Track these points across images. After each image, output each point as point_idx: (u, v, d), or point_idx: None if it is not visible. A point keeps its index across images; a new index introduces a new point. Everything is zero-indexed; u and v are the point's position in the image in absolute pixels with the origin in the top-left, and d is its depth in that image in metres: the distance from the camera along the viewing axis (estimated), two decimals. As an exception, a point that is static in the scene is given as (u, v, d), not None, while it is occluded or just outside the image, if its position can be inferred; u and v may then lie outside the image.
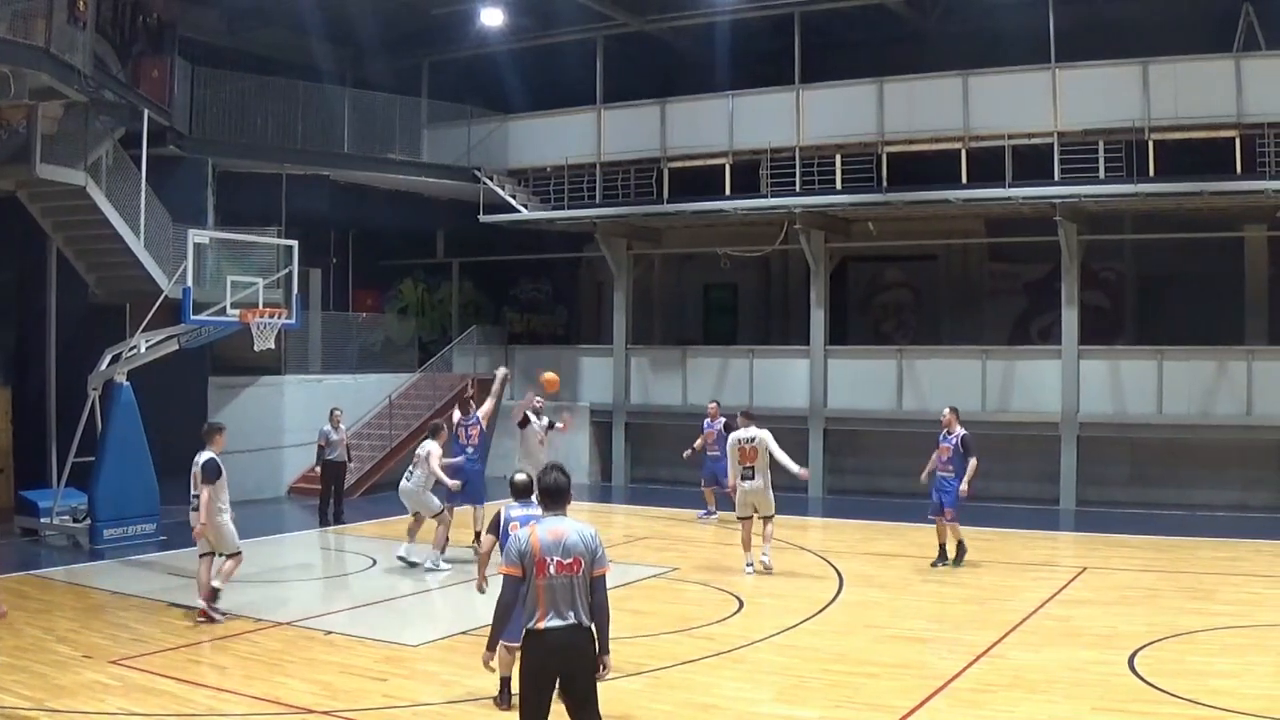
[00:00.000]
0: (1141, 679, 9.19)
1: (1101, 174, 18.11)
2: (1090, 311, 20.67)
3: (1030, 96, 18.68)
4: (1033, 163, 18.86)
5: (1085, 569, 13.85)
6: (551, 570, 6.15)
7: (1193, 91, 17.48)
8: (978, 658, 9.86)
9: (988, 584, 13.18)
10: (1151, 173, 17.66)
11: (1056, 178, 18.39)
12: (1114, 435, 19.08)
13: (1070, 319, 19.30)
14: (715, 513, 17.87)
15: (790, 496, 16.11)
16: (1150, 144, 17.69)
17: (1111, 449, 19.12)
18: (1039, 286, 22.37)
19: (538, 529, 6.31)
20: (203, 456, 10.81)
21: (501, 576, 6.41)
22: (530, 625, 6.19)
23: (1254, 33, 18.15)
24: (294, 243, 16.49)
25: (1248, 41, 18.15)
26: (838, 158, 19.98)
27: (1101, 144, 18.08)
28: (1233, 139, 17.18)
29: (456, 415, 15.05)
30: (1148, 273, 22.06)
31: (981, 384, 19.88)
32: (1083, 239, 19.37)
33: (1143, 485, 19.21)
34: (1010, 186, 18.62)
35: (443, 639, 10.60)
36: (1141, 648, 10.07)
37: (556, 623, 6.12)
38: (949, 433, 13.82)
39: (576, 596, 6.16)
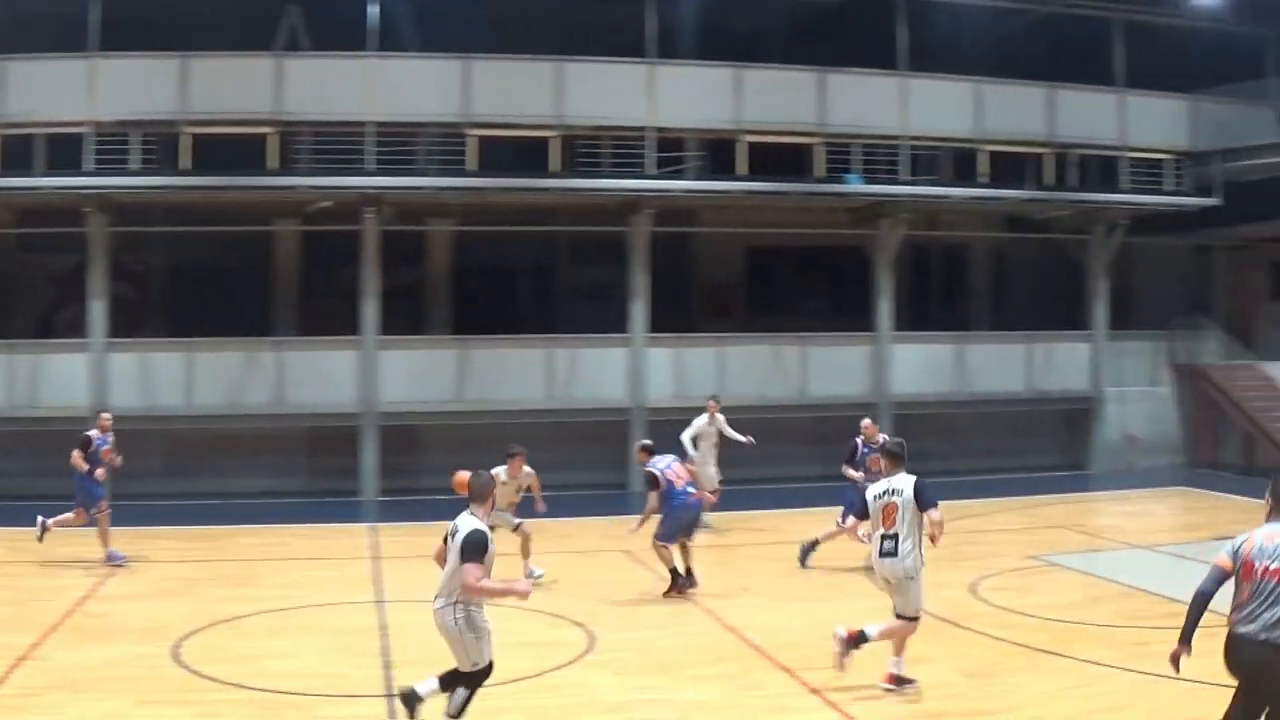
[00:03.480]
0: (188, 668, 9.39)
1: (134, 165, 18.04)
2: (120, 303, 20.32)
3: (65, 84, 18.07)
4: (66, 151, 18.09)
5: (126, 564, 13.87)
6: (1258, 575, 6.09)
7: (232, 87, 18.30)
8: (19, 661, 9.38)
9: (28, 585, 12.57)
10: (185, 166, 18.04)
11: (89, 168, 17.92)
12: (147, 428, 18.76)
13: (98, 311, 18.94)
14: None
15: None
16: (181, 138, 18.06)
17: (144, 441, 18.62)
18: (67, 278, 21.41)
19: (1257, 532, 6.24)
20: None
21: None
22: (1231, 622, 6.17)
23: (297, 34, 19.54)
24: None
25: (291, 42, 19.46)
26: None
27: (136, 135, 18.00)
28: (268, 135, 18.24)
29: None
30: (181, 265, 22.20)
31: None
32: (112, 230, 19.06)
33: (177, 476, 19.48)
34: (42, 176, 17.82)
35: None
36: (185, 637, 10.30)
37: (1247, 629, 6.04)
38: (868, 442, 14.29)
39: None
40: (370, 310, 19.50)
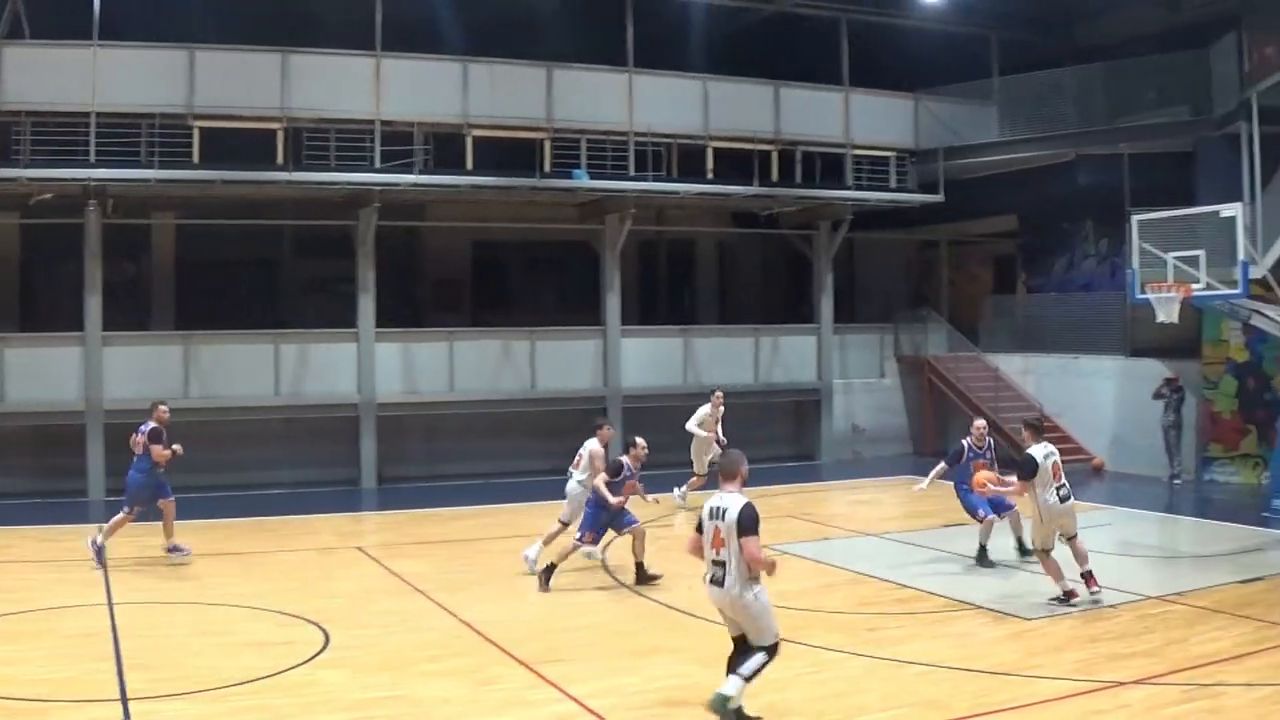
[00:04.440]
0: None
1: None
2: None
3: None
4: None
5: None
6: None
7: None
8: None
9: None
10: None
11: None
12: None
13: None
14: None
15: None
16: None
17: None
18: None
19: None
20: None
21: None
22: None
23: (19, 22, 22.87)
24: None
25: (14, 30, 22.81)
26: None
27: None
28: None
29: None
30: None
31: None
32: None
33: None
34: None
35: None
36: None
37: None
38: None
39: None
40: (93, 305, 23.22)
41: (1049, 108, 29.12)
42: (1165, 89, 27.34)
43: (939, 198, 29.24)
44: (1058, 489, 14.27)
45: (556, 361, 27.32)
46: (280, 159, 23.69)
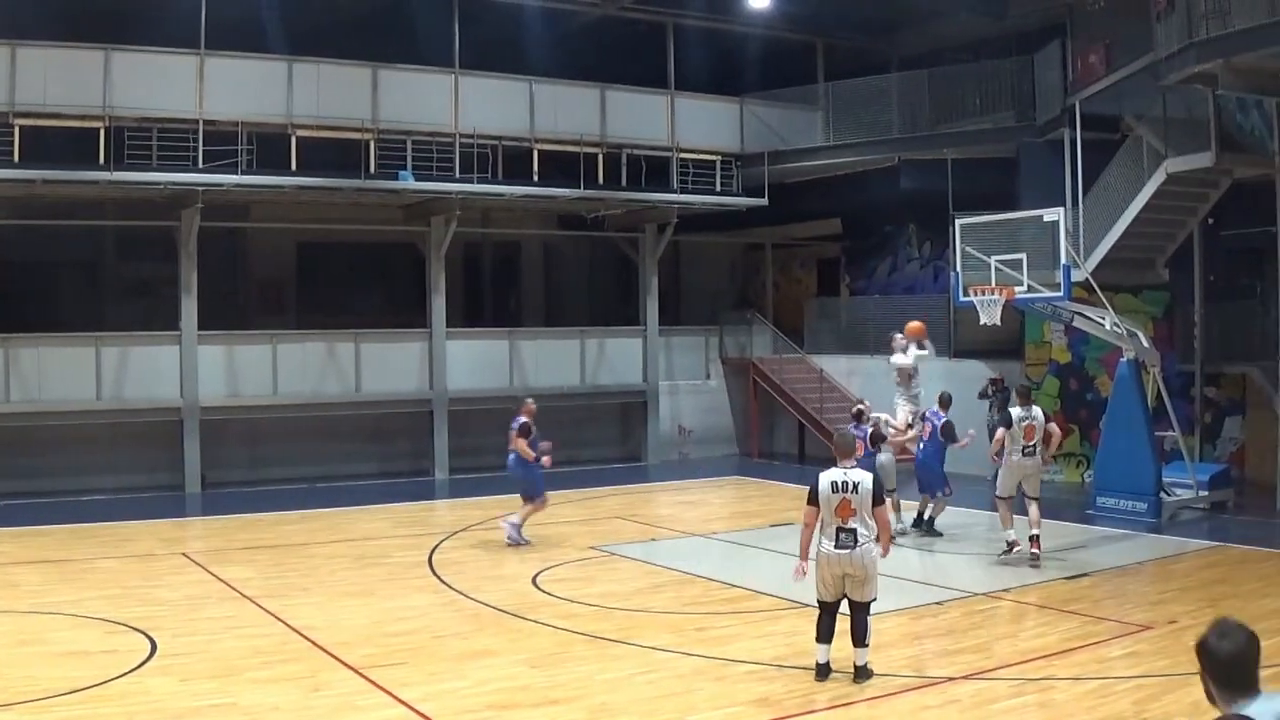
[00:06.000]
0: None
1: None
2: None
3: None
4: None
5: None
6: None
7: None
8: None
9: None
10: None
11: None
12: None
13: None
14: None
15: None
16: None
17: None
18: None
19: None
20: None
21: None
22: None
23: None
24: None
25: None
26: None
27: None
28: None
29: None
30: None
31: None
32: None
33: None
34: None
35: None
36: None
37: None
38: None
39: None
40: (-90, 309, 23.39)
41: (874, 113, 31.05)
42: (990, 95, 29.23)
43: (763, 201, 31.07)
44: (1024, 448, 17.72)
45: (381, 364, 28.45)
46: (102, 158, 24.25)
